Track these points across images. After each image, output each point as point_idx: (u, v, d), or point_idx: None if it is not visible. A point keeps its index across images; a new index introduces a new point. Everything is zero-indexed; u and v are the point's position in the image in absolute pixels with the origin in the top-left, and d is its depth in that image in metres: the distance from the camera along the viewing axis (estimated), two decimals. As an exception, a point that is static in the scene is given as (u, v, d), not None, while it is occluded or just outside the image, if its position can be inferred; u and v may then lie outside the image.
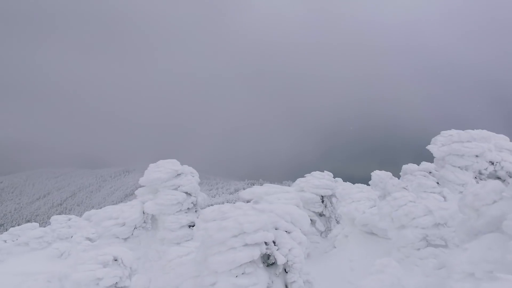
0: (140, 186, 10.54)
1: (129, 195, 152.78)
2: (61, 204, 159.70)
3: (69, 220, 17.85)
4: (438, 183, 11.57)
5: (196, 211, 10.01)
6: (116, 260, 7.78)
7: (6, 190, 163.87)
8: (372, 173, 11.03)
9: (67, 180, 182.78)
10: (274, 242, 5.10)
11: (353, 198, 9.46)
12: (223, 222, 4.81)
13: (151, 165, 9.94)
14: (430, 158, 12.34)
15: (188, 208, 9.67)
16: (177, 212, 9.31)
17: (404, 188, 9.54)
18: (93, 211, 17.37)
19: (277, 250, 5.06)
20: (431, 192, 10.09)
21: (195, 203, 9.87)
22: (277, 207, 5.58)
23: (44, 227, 18.17)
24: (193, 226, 9.72)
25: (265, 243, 4.97)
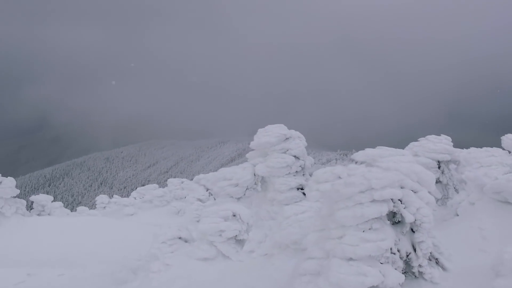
0: (250, 150, 10.98)
1: (225, 165, 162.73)
2: (167, 172, 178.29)
3: (182, 183, 19.81)
4: None
5: (303, 174, 10.22)
6: (234, 215, 8.49)
7: (126, 158, 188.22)
8: (503, 137, 9.76)
9: (171, 150, 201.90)
10: (400, 201, 4.98)
11: (481, 162, 8.55)
12: (350, 178, 4.83)
13: (260, 130, 10.35)
14: None
15: (296, 171, 9.91)
16: (286, 174, 9.63)
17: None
18: (201, 175, 19.00)
19: (404, 208, 4.93)
20: None
21: (303, 166, 10.07)
22: (402, 166, 5.39)
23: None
24: (301, 188, 9.98)
25: (392, 200, 4.88)
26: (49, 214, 16.57)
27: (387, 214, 4.93)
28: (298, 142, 10.10)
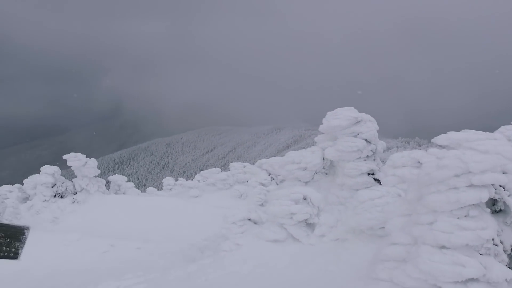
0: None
1: (281, 151, 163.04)
2: (224, 157, 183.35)
3: (244, 167, 20.12)
4: None
5: (374, 159, 9.80)
6: (305, 199, 8.41)
7: (185, 144, 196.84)
8: None
9: (228, 136, 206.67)
10: (503, 188, 4.52)
11: None
12: (443, 161, 4.48)
13: (329, 113, 10.06)
14: None
15: (367, 156, 9.52)
16: (356, 159, 9.28)
17: None
18: (264, 160, 19.14)
19: (508, 196, 4.47)
20: None
21: (374, 151, 9.64)
22: (505, 149, 4.88)
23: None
24: (372, 174, 9.58)
25: (493, 186, 4.44)
26: (123, 193, 17.87)
27: (486, 202, 4.51)
28: (370, 125, 9.66)
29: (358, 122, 9.59)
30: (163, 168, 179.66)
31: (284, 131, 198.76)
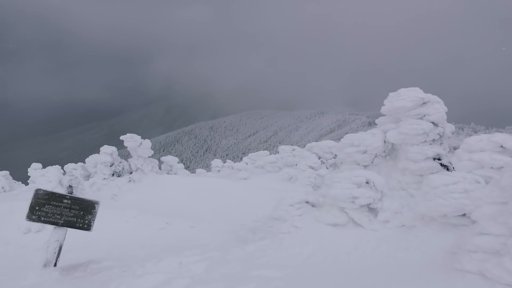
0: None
1: (323, 135, 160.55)
2: (266, 141, 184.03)
3: (294, 150, 19.86)
4: None
5: (441, 143, 9.12)
6: (367, 182, 8.03)
7: (228, 128, 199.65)
8: None
9: (270, 120, 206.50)
10: None
11: None
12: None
13: (391, 94, 9.47)
14: None
15: (433, 140, 8.88)
16: (421, 143, 8.68)
17: None
18: (314, 143, 18.74)
19: None
20: None
21: (441, 134, 8.96)
22: None
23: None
24: (438, 159, 8.94)
25: None
26: (175, 174, 18.38)
27: None
28: (438, 107, 8.96)
29: (424, 103, 8.93)
30: (206, 151, 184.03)
31: (327, 116, 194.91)
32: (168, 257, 7.42)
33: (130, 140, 15.74)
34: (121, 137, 16.00)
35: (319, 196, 9.54)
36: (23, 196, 14.66)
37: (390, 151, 10.03)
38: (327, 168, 18.28)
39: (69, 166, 17.80)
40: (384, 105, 9.65)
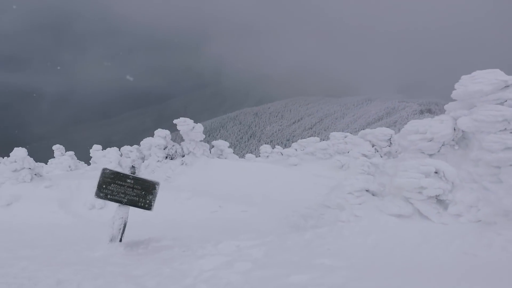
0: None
1: (371, 123, 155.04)
2: (311, 128, 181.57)
3: (346, 137, 19.22)
4: None
5: (523, 132, 8.21)
6: (436, 172, 7.46)
7: (273, 114, 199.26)
8: None
9: (316, 107, 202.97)
10: None
11: None
12: None
13: (464, 77, 8.65)
14: None
15: (514, 128, 8.00)
16: (500, 131, 7.86)
17: None
18: (367, 130, 18.00)
19: None
20: None
21: (524, 122, 8.05)
22: None
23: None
24: (518, 149, 8.05)
25: None
26: (225, 158, 18.56)
27: None
28: (522, 91, 8.05)
29: (507, 86, 8.06)
30: (250, 137, 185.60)
31: (375, 103, 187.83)
32: (227, 239, 7.44)
33: (183, 124, 16.06)
34: (174, 121, 16.37)
35: (379, 185, 9.07)
36: (88, 175, 15.60)
37: (460, 139, 9.26)
38: (381, 157, 17.50)
39: (125, 148, 18.62)
40: (455, 89, 8.86)
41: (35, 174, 14.12)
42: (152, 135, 17.26)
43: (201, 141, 16.84)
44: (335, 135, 19.56)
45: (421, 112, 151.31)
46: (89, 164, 21.02)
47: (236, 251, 6.80)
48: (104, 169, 7.76)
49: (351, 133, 19.99)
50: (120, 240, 7.70)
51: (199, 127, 16.20)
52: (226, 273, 5.45)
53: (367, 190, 8.64)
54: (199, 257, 6.43)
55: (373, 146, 17.60)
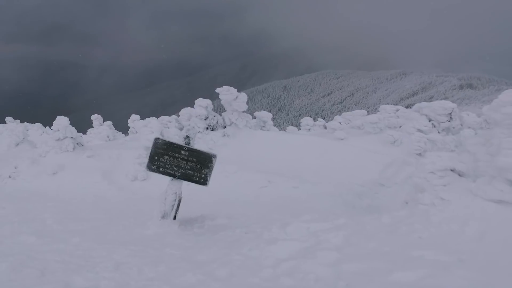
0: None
1: (405, 99, 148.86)
2: (341, 103, 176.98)
3: (397, 110, 17.74)
4: None
5: None
6: (551, 151, 6.12)
7: (302, 87, 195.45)
8: None
9: (347, 81, 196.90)
10: None
11: None
12: None
13: None
14: None
15: None
16: None
17: None
18: (424, 103, 16.39)
19: None
20: None
21: None
22: None
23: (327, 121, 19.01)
24: None
25: None
26: (267, 130, 17.60)
27: None
28: None
29: None
30: (278, 110, 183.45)
31: (410, 77, 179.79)
32: (293, 220, 6.56)
33: (226, 93, 15.11)
34: (217, 90, 15.45)
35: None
36: (128, 145, 15.13)
37: None
38: (439, 133, 15.97)
39: (163, 119, 18.02)
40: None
41: (77, 144, 13.76)
42: (179, 109, 16.57)
43: (243, 111, 15.91)
44: (386, 108, 18.07)
45: (461, 87, 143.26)
46: (126, 134, 20.70)
47: (309, 235, 5.89)
48: (156, 139, 6.97)
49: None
50: (174, 218, 7.01)
51: (243, 96, 15.21)
52: (310, 264, 4.56)
53: (452, 170, 7.43)
54: (268, 241, 5.59)
55: (429, 121, 16.05)
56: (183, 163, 6.97)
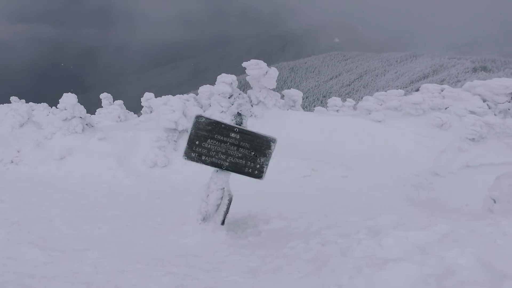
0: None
1: (415, 81, 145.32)
2: (349, 85, 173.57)
3: (443, 90, 15.78)
4: None
5: None
6: None
7: (309, 69, 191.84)
8: None
9: (355, 63, 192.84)
10: None
11: None
12: None
13: None
14: None
15: None
16: None
17: None
18: (477, 81, 14.44)
19: None
20: None
21: None
22: None
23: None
24: None
25: None
26: (297, 110, 15.80)
27: None
28: None
29: None
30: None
31: (421, 59, 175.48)
32: (384, 228, 4.85)
33: (255, 67, 13.24)
34: (244, 64, 13.58)
35: None
36: (142, 126, 13.43)
37: None
38: (495, 115, 14.07)
39: (182, 97, 16.24)
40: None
41: (86, 124, 12.08)
42: (187, 91, 14.71)
43: (272, 89, 14.08)
44: (428, 87, 16.11)
45: (474, 70, 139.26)
46: (139, 114, 18.99)
47: (418, 252, 4.19)
48: (198, 117, 5.23)
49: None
50: (222, 223, 5.33)
51: (274, 71, 13.35)
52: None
53: None
54: (371, 263, 3.92)
55: (484, 101, 14.14)
56: (232, 149, 5.25)
